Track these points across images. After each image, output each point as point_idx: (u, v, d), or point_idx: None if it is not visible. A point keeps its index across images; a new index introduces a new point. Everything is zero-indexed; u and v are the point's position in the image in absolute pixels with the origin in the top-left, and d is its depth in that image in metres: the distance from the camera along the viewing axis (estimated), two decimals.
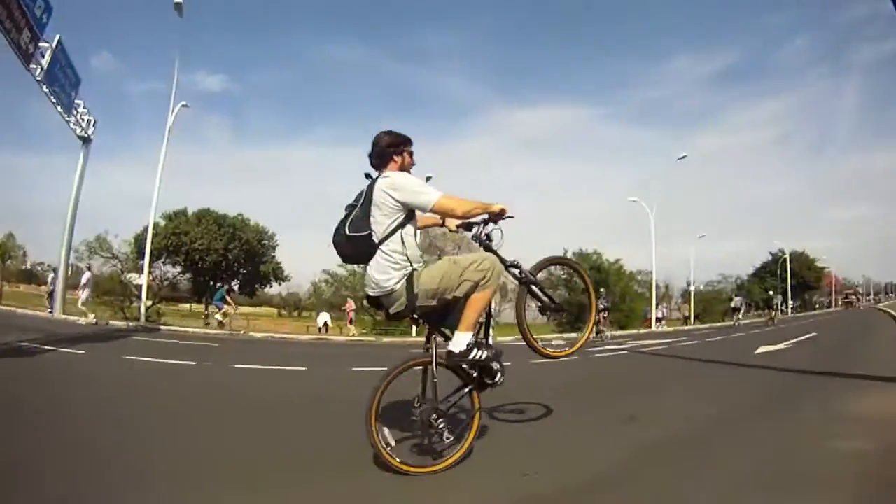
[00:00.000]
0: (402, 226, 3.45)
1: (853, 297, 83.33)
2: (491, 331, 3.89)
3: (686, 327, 41.13)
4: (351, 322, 27.54)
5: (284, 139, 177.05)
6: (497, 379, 3.71)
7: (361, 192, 3.53)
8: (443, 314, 3.60)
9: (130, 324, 19.81)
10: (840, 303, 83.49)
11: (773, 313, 35.30)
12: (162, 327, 19.98)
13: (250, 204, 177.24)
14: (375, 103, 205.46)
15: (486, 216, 3.69)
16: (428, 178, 29.16)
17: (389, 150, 3.64)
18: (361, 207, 3.44)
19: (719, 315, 50.49)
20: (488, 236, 3.81)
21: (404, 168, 3.67)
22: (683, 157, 42.24)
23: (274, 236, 36.55)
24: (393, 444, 3.32)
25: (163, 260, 31.38)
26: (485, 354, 3.58)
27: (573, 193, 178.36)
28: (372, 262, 3.45)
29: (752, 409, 5.88)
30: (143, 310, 22.04)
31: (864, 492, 3.07)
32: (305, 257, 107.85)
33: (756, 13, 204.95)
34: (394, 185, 3.42)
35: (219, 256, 31.75)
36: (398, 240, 3.43)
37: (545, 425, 5.01)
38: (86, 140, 20.86)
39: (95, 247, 28.09)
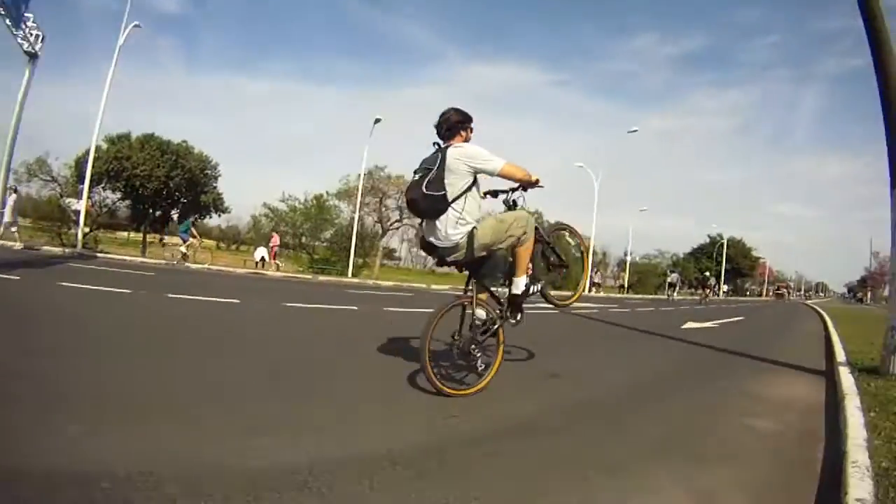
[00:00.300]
0: (469, 189, 4.12)
1: (784, 289, 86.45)
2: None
3: (620, 295, 42.28)
4: (275, 257, 27.23)
5: (237, 69, 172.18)
6: (520, 319, 4.56)
7: (431, 158, 4.18)
8: (479, 265, 4.35)
9: (67, 250, 19.38)
10: (771, 293, 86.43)
11: (707, 293, 36.65)
12: (99, 255, 19.66)
13: (195, 131, 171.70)
14: (335, 41, 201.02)
15: (516, 184, 4.49)
16: (377, 121, 29.35)
17: (458, 125, 4.29)
18: (437, 171, 4.03)
19: (652, 287, 52.52)
20: (514, 201, 4.62)
21: (466, 141, 4.34)
22: (634, 130, 42.88)
23: (217, 166, 35.30)
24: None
25: (103, 185, 30.54)
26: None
27: (520, 152, 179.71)
28: (442, 218, 4.10)
29: (671, 380, 6.13)
30: (80, 236, 21.57)
31: (772, 469, 3.25)
32: (247, 190, 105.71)
33: (731, 4, 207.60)
34: (467, 154, 4.10)
35: (160, 184, 30.61)
36: (466, 200, 4.10)
37: None
38: (32, 56, 19.72)
39: (35, 169, 27.23)
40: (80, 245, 21.10)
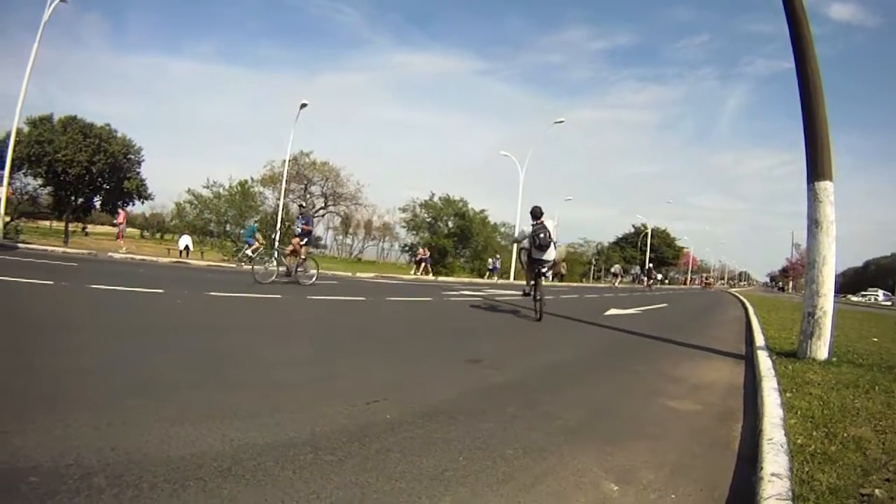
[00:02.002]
0: (555, 237, 10.22)
1: (711, 280, 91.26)
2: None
3: (559, 284, 43.71)
4: (121, 237, 25.75)
5: (161, 50, 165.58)
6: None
7: (539, 226, 10.10)
8: (542, 271, 10.43)
9: None
10: (699, 283, 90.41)
11: (651, 281, 41.59)
12: (20, 245, 18.99)
13: (119, 114, 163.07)
14: (260, 21, 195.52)
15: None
16: (303, 106, 29.41)
17: (542, 213, 10.24)
18: (548, 232, 10.05)
19: (578, 276, 54.49)
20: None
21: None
22: (560, 121, 43.03)
23: (140, 151, 34.85)
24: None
25: (24, 171, 29.65)
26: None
27: (445, 140, 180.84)
28: (549, 250, 10.13)
29: (592, 364, 6.32)
30: (0, 226, 20.62)
31: (692, 447, 3.37)
32: (171, 176, 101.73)
33: (662, 2, 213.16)
34: (554, 224, 10.22)
35: (82, 169, 30.13)
36: (555, 242, 10.31)
37: (392, 362, 5.33)
38: None
39: None
40: (0, 235, 20.31)
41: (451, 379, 4.76)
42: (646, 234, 72.79)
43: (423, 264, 32.39)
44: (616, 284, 42.12)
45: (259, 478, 2.34)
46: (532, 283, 10.39)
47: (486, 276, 37.84)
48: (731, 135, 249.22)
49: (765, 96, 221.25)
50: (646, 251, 70.00)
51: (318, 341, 6.29)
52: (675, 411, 4.29)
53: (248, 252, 22.57)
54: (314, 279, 14.57)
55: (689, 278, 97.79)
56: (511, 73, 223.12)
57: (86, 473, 2.20)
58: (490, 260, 40.17)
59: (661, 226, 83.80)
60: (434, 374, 4.93)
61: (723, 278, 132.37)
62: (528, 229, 10.30)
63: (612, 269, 46.17)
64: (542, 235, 10.01)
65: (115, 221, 24.58)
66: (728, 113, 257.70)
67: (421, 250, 33.55)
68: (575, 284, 41.59)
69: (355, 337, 7.01)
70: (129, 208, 37.85)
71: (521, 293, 11.52)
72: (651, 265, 45.85)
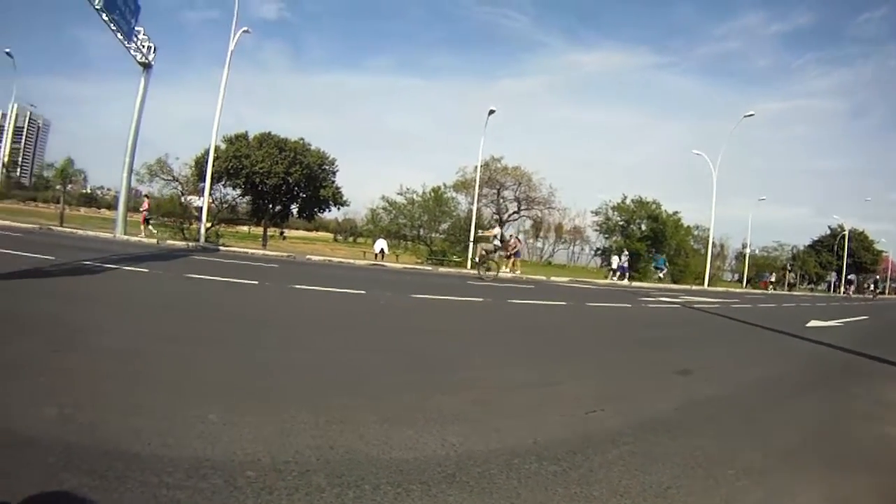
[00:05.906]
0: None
1: None
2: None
3: (787, 292, 41.74)
4: (145, 222, 24.18)
5: (341, 67, 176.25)
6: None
7: (503, 230, 26.79)
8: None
9: (190, 244, 20.52)
10: None
11: (877, 291, 45.76)
12: (221, 248, 20.58)
13: (307, 129, 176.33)
14: (431, 33, 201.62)
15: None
16: (491, 112, 30.66)
17: (500, 223, 32.51)
18: (502, 233, 22.69)
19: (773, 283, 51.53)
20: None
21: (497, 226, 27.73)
22: (750, 115, 38.82)
23: (334, 161, 36.74)
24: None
25: (223, 182, 32.29)
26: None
27: (627, 140, 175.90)
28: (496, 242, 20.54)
29: (800, 381, 5.88)
30: (202, 231, 22.85)
31: None
32: (360, 183, 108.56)
33: None
34: (497, 230, 22.43)
35: (279, 180, 32.43)
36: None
37: (604, 370, 5.25)
38: (146, 66, 21.43)
39: (156, 169, 28.65)
40: (202, 239, 22.29)
41: (664, 390, 4.65)
42: (842, 237, 65.59)
43: (512, 259, 25.21)
44: (851, 293, 45.31)
45: (484, 485, 2.30)
46: (484, 260, 19.11)
47: (606, 277, 32.40)
48: None
49: None
50: (843, 256, 63.15)
51: (524, 345, 6.30)
52: (894, 440, 3.95)
53: (660, 276, 28.05)
54: None
55: (888, 287, 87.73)
56: (689, 66, 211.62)
57: (304, 471, 2.22)
58: (615, 258, 33.37)
59: (858, 227, 75.17)
60: (647, 385, 4.80)
61: None
62: (499, 231, 21.19)
63: (849, 277, 52.00)
64: (506, 236, 20.64)
65: (140, 209, 24.59)
66: None
67: (513, 241, 25.99)
68: (770, 292, 39.30)
69: (562, 342, 7.02)
70: (324, 214, 40.18)
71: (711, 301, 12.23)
72: (878, 278, 46.83)
